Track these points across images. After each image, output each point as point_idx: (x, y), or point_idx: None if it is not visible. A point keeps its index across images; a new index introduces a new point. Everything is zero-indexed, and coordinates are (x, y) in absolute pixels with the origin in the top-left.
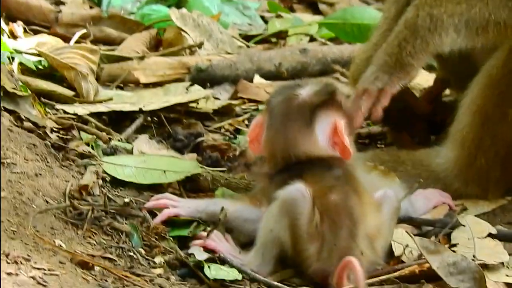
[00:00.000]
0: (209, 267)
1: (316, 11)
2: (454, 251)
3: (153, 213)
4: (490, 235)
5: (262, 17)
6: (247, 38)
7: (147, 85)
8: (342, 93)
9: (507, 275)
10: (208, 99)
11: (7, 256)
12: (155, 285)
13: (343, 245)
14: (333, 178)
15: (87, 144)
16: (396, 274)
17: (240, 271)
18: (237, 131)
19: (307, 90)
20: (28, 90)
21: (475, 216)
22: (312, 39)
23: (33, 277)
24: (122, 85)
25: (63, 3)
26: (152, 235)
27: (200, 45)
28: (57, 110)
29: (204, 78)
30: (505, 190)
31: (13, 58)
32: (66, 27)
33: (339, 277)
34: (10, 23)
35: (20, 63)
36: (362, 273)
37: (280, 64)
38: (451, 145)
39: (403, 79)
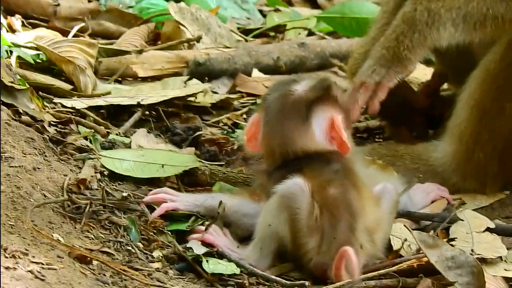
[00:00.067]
0: (207, 261)
1: (315, 5)
2: (452, 245)
3: (151, 207)
4: (488, 229)
5: (261, 11)
6: (245, 32)
7: (145, 79)
8: (338, 88)
9: (505, 269)
10: (206, 93)
11: (5, 250)
12: (153, 279)
13: (343, 239)
14: (332, 172)
15: (85, 138)
16: (395, 268)
17: (238, 265)
18: (235, 125)
19: (302, 86)
20: (26, 84)
21: (473, 210)
22: (311, 33)
23: (31, 271)
24: (120, 79)
25: None
26: (150, 229)
27: (198, 39)
28: (55, 104)
29: (202, 72)
30: (503, 184)
31: (11, 52)
32: (64, 20)
33: (337, 269)
34: (9, 16)
35: (18, 57)
36: (357, 262)
37: (278, 58)
38: (449, 139)
39: (401, 73)
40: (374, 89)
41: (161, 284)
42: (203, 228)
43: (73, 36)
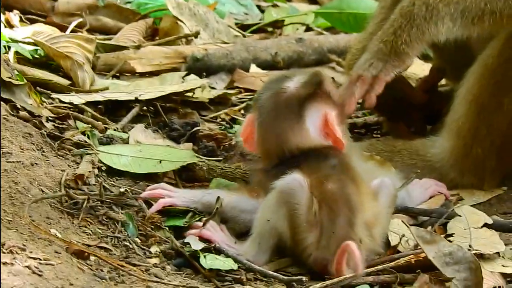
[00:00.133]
0: (204, 257)
1: (312, 0)
2: (450, 241)
3: (148, 203)
4: (486, 225)
5: (258, 7)
6: (243, 27)
7: (143, 75)
8: (330, 82)
9: (503, 265)
10: (204, 88)
11: (2, 245)
12: (150, 274)
13: (342, 233)
14: (329, 167)
15: (83, 134)
16: (392, 264)
17: (236, 260)
18: (233, 121)
19: (294, 83)
20: (24, 79)
21: (471, 206)
22: (308, 28)
23: (28, 267)
24: (118, 74)
25: None
26: (148, 225)
27: (196, 35)
28: (53, 99)
29: (200, 67)
30: (501, 179)
31: (9, 47)
32: (62, 16)
33: (338, 263)
34: (7, 12)
35: (16, 52)
36: (360, 257)
37: (276, 53)
38: (447, 135)
39: (398, 67)
40: (371, 83)
41: (158, 280)
42: (200, 224)
43: (71, 32)
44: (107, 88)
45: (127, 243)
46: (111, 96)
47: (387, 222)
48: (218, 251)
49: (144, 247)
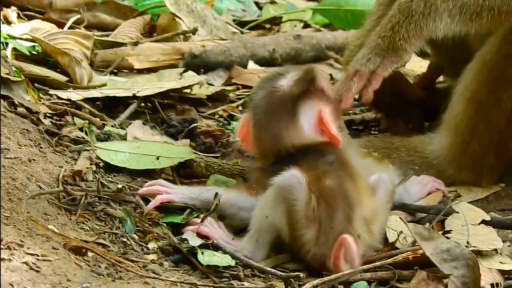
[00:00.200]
0: (202, 253)
1: None
2: (447, 238)
3: (146, 199)
4: (483, 221)
5: (256, 3)
6: (241, 24)
7: (141, 71)
8: (324, 78)
9: (501, 262)
10: (202, 85)
11: (0, 241)
12: (148, 270)
13: (340, 229)
14: (327, 164)
15: (81, 130)
16: (390, 260)
17: (233, 257)
18: (231, 117)
19: (287, 81)
20: (22, 76)
21: (469, 203)
22: (306, 25)
23: (26, 263)
24: (116, 70)
25: None
26: (146, 221)
27: (194, 31)
28: (50, 95)
29: (198, 64)
30: (499, 176)
31: (7, 44)
32: (60, 12)
33: (335, 258)
34: (4, 8)
35: (14, 49)
36: (357, 250)
37: (274, 50)
38: (445, 132)
39: (396, 63)
40: (368, 78)
41: (156, 276)
42: (198, 220)
43: (69, 28)
44: (105, 85)
45: (125, 239)
46: (109, 93)
47: (385, 217)
48: (216, 248)
49: (142, 243)
